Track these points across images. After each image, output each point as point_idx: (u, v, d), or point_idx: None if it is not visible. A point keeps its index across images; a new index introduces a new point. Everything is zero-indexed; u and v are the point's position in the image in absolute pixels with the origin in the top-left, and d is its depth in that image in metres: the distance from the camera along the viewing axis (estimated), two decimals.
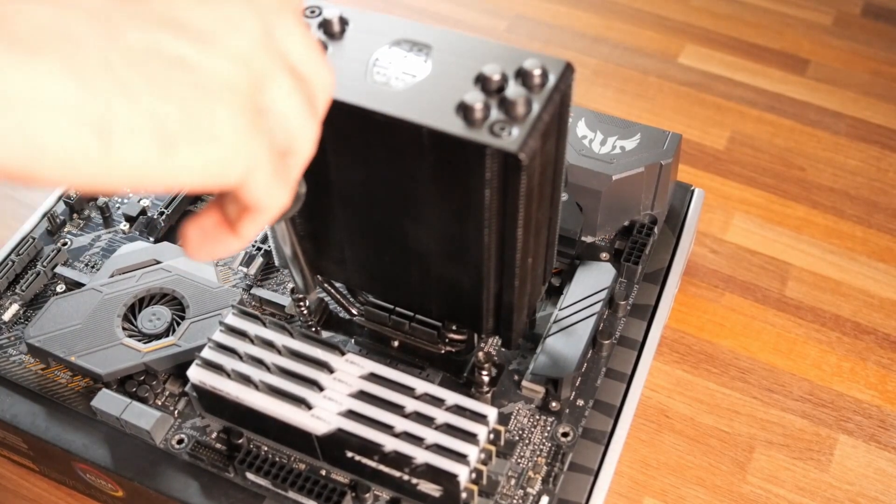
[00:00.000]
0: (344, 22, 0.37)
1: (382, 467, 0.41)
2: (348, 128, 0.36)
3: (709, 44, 0.78)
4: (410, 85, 0.34)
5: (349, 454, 0.41)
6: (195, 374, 0.42)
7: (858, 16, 0.80)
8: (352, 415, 0.40)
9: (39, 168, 0.21)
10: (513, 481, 0.43)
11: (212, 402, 0.43)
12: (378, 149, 0.36)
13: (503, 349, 0.48)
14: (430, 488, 0.40)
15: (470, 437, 0.40)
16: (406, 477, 0.40)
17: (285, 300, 0.49)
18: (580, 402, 0.46)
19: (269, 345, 0.43)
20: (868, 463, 0.51)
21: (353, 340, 0.48)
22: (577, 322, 0.47)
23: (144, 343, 0.46)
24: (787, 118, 0.71)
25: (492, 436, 0.41)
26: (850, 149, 0.69)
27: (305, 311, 0.47)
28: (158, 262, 0.50)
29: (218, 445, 0.45)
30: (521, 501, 0.43)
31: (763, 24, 0.80)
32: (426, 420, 0.40)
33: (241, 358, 0.42)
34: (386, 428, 0.40)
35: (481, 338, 0.48)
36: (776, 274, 0.60)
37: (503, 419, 0.45)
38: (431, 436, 0.39)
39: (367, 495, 0.43)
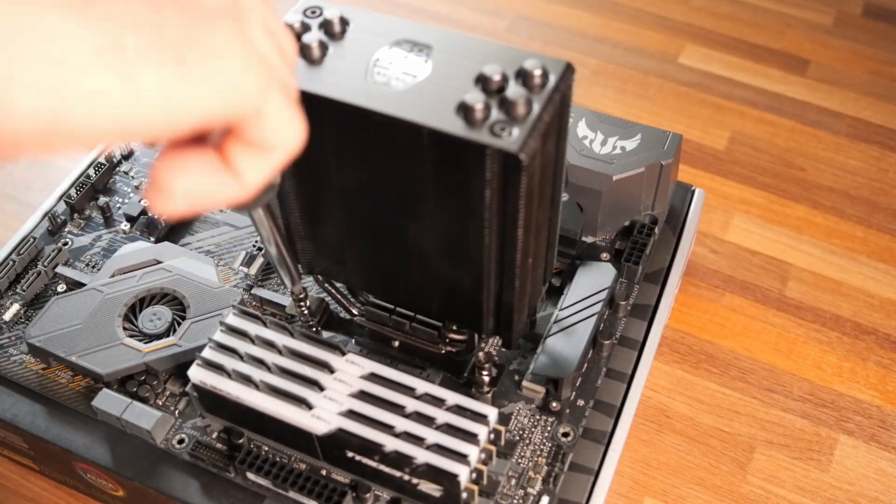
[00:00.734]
0: (344, 22, 0.37)
1: (383, 467, 0.41)
2: (349, 128, 0.36)
3: (709, 44, 0.78)
4: (411, 85, 0.34)
5: (350, 454, 0.41)
6: (196, 374, 0.42)
7: (858, 16, 0.80)
8: (352, 415, 0.40)
9: (70, 118, 0.21)
10: (513, 481, 0.43)
11: (212, 402, 0.43)
12: (378, 149, 0.36)
13: (503, 349, 0.48)
14: (430, 488, 0.40)
15: (470, 438, 0.40)
16: (406, 477, 0.40)
17: (286, 300, 0.49)
18: (580, 403, 0.46)
19: (269, 345, 0.43)
20: (868, 463, 0.51)
21: (353, 340, 0.49)
22: (577, 322, 0.47)
23: (145, 343, 0.46)
24: (788, 118, 0.71)
25: (492, 436, 0.41)
26: (851, 149, 0.69)
27: (306, 312, 0.47)
28: (159, 262, 0.50)
29: (218, 445, 0.45)
30: (521, 501, 0.43)
31: (763, 24, 0.80)
32: (427, 420, 0.40)
33: (241, 358, 0.42)
34: (386, 428, 0.40)
35: (482, 338, 0.48)
36: (776, 274, 0.60)
37: (503, 419, 0.45)
38: (432, 436, 0.39)
39: (368, 495, 0.43)
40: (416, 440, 0.39)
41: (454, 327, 0.46)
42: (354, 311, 0.48)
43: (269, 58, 0.25)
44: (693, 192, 0.56)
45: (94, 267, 0.53)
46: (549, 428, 0.45)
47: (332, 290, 0.47)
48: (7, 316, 0.50)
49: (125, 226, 0.55)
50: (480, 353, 0.45)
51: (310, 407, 0.41)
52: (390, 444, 0.39)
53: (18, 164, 0.67)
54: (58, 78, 0.20)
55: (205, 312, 0.47)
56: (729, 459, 0.51)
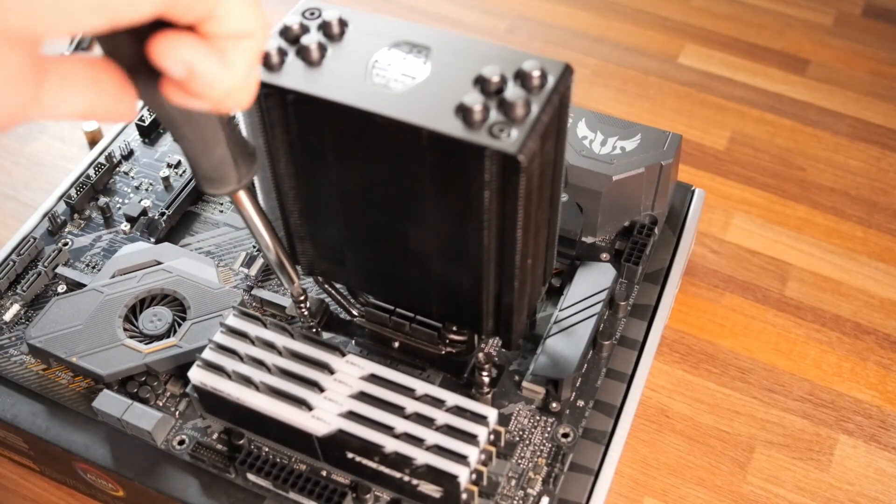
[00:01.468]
0: (343, 23, 0.37)
1: (383, 468, 0.41)
2: (348, 129, 0.36)
3: (709, 44, 0.78)
4: (410, 87, 0.35)
5: (350, 455, 0.41)
6: (196, 375, 0.42)
7: (858, 16, 0.80)
8: (352, 416, 0.40)
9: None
10: (513, 482, 0.44)
11: (213, 402, 0.43)
12: (377, 151, 0.36)
13: (503, 350, 0.48)
14: (430, 489, 0.40)
15: (470, 438, 0.40)
16: (406, 478, 0.40)
17: (286, 301, 0.49)
18: (580, 403, 0.46)
19: (269, 346, 0.43)
20: (868, 463, 0.51)
21: (353, 341, 0.49)
22: (577, 323, 0.47)
23: (145, 344, 0.46)
24: (788, 118, 0.71)
25: (492, 437, 0.41)
26: (851, 149, 0.69)
27: (306, 313, 0.47)
28: (159, 263, 0.50)
29: (219, 446, 0.45)
30: (521, 502, 0.43)
31: (763, 24, 0.80)
32: (426, 421, 0.40)
33: (241, 359, 0.42)
34: (386, 429, 0.40)
35: (481, 339, 0.48)
36: (776, 274, 0.60)
37: (503, 420, 0.45)
38: (432, 437, 0.39)
39: (368, 496, 0.43)
40: (416, 441, 0.39)
41: (454, 328, 0.46)
42: (354, 312, 0.48)
43: None
44: (693, 192, 0.56)
45: (94, 267, 0.53)
46: (549, 428, 0.45)
47: (332, 292, 0.47)
48: (7, 316, 0.50)
49: (125, 226, 0.55)
50: (480, 354, 0.45)
51: (310, 408, 0.41)
52: (390, 445, 0.39)
53: (18, 164, 0.67)
54: None
55: (205, 313, 0.47)
56: (729, 459, 0.51)
